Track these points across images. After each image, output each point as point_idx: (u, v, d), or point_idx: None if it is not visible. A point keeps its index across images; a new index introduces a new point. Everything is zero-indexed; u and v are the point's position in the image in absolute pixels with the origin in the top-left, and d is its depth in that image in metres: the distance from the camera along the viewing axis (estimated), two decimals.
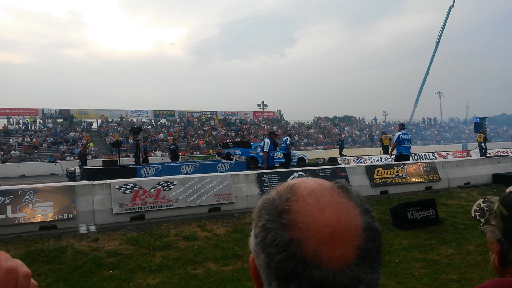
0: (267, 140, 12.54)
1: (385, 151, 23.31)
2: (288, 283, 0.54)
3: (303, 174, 10.56)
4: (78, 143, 32.73)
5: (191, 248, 6.17)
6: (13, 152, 30.29)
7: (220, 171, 15.41)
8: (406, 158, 12.63)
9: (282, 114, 59.61)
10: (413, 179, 11.70)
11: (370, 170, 11.29)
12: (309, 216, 0.57)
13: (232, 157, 21.17)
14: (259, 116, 52.16)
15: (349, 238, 0.56)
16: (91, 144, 33.48)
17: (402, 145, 12.58)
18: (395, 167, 11.64)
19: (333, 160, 22.02)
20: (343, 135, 41.92)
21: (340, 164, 17.34)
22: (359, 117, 58.97)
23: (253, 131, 45.58)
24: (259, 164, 18.28)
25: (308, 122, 53.64)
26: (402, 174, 11.58)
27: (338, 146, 31.56)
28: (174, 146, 22.20)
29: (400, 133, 12.75)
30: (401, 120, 56.44)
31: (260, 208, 0.63)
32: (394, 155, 13.04)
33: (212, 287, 4.70)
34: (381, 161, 20.68)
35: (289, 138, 16.95)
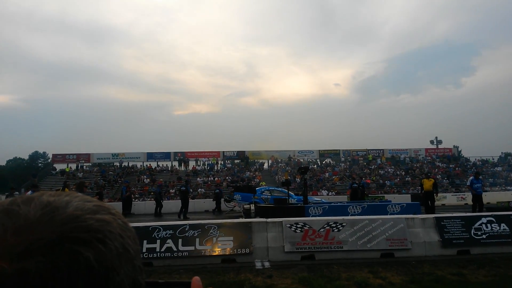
0: None
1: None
2: None
3: (493, 220, 9.05)
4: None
5: None
6: (199, 189, 34.90)
7: (391, 213, 14.47)
8: None
9: (460, 151, 53.15)
10: None
11: None
12: None
13: (232, 202, 19.93)
14: (432, 154, 47.76)
15: None
16: (263, 183, 36.07)
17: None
18: None
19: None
20: None
21: None
22: None
23: (425, 169, 41.82)
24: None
25: (493, 159, 46.40)
26: None
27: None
28: (356, 185, 21.93)
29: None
30: None
31: None
32: None
33: None
34: None
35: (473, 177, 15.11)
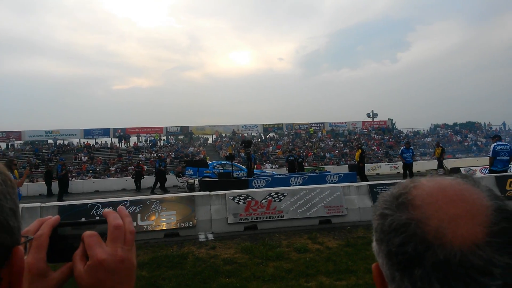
0: None
1: (440, 165, 20.10)
2: (411, 268, 0.50)
3: None
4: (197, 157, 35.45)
5: (303, 260, 6.15)
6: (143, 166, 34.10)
7: (330, 183, 15.17)
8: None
9: (394, 123, 56.42)
10: None
11: (501, 181, 9.99)
12: (429, 195, 0.53)
13: (184, 177, 20.47)
14: (368, 126, 50.25)
15: (477, 215, 0.49)
16: (207, 158, 35.97)
17: (498, 158, 10.89)
18: None
19: (455, 171, 20.01)
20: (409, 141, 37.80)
21: None
22: (484, 123, 52.77)
23: (362, 141, 44.04)
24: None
25: (424, 130, 49.87)
26: None
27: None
28: (292, 158, 22.81)
29: (495, 144, 11.06)
30: None
31: (378, 203, 0.61)
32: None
33: None
34: None
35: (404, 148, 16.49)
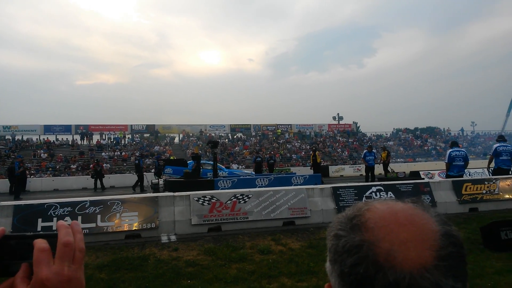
0: None
1: (385, 168, 21.78)
2: None
3: (382, 188, 10.11)
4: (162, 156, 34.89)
5: (266, 262, 6.19)
6: (104, 165, 33.17)
7: (295, 185, 15.36)
8: (505, 172, 11.44)
9: (359, 126, 57.88)
10: (507, 196, 10.59)
11: (457, 185, 10.46)
12: (381, 218, 0.55)
13: (163, 176, 20.38)
14: (334, 129, 51.26)
15: (426, 240, 0.52)
16: (173, 157, 35.45)
17: (500, 158, 11.45)
18: (486, 182, 10.66)
19: (415, 175, 20.78)
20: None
21: (423, 179, 16.31)
22: (443, 128, 55.13)
23: (328, 143, 44.86)
24: None
25: (387, 134, 51.45)
26: (494, 190, 10.55)
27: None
28: (260, 159, 22.95)
29: (498, 144, 11.63)
30: (492, 131, 51.75)
31: (333, 224, 0.63)
32: (492, 168, 11.88)
33: None
34: (469, 175, 19.03)
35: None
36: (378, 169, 23.04)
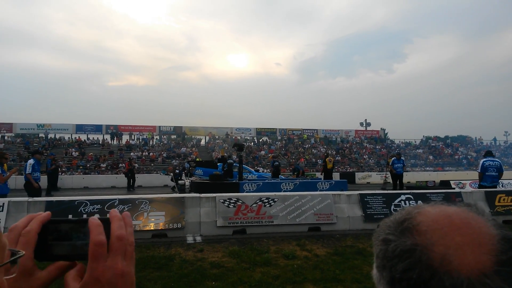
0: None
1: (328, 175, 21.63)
2: None
3: (411, 197, 9.86)
4: (189, 158, 35.34)
5: (290, 267, 6.13)
6: (134, 164, 33.89)
7: (320, 190, 15.19)
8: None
9: (387, 133, 56.82)
10: None
11: (490, 196, 10.07)
12: (435, 222, 0.52)
13: (193, 177, 20.14)
14: (361, 135, 50.52)
15: (484, 244, 0.49)
16: (199, 159, 35.85)
17: (486, 174, 11.02)
18: None
19: (445, 184, 20.14)
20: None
21: (454, 188, 15.81)
22: (475, 137, 53.35)
23: (354, 150, 44.24)
24: None
25: (416, 142, 50.26)
26: None
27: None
28: (277, 163, 22.68)
29: (484, 160, 11.21)
30: None
31: (380, 228, 0.60)
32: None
33: None
34: (502, 186, 18.29)
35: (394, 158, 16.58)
36: (407, 178, 22.51)
